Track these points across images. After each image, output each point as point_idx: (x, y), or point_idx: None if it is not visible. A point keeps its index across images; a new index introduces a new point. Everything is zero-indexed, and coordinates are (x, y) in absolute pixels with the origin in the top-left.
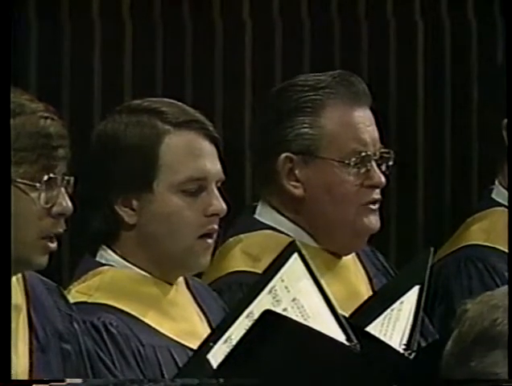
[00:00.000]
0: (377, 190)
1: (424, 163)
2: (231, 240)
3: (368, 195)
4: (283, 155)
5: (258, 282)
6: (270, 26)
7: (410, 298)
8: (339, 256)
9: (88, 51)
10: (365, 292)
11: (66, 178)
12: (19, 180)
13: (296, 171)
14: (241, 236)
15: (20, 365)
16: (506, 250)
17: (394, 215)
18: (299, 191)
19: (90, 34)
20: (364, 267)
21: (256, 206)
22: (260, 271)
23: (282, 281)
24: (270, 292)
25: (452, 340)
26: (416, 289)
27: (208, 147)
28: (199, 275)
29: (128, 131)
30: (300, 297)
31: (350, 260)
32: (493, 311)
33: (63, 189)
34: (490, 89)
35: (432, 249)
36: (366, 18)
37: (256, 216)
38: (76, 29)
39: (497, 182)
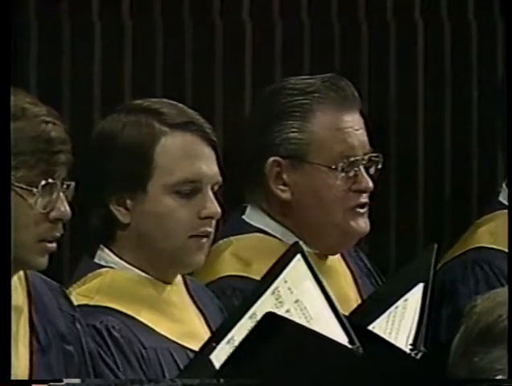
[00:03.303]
0: (365, 195)
1: (424, 164)
2: (221, 242)
3: (355, 199)
4: (271, 159)
5: (261, 283)
6: (270, 26)
7: (415, 296)
8: (326, 257)
9: (88, 51)
10: (353, 294)
11: (66, 183)
12: (17, 184)
13: (284, 175)
14: (232, 238)
15: (20, 367)
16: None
17: (394, 215)
18: (286, 195)
19: (90, 34)
20: (349, 268)
21: (245, 207)
22: (251, 275)
23: (286, 282)
24: (273, 293)
25: (458, 336)
26: (420, 286)
27: (205, 150)
28: (189, 275)
29: (125, 130)
30: (303, 299)
31: (337, 262)
32: (499, 307)
33: (62, 194)
34: (490, 89)
35: (436, 246)
36: (366, 19)
37: (246, 219)
38: (76, 29)
39: (504, 185)
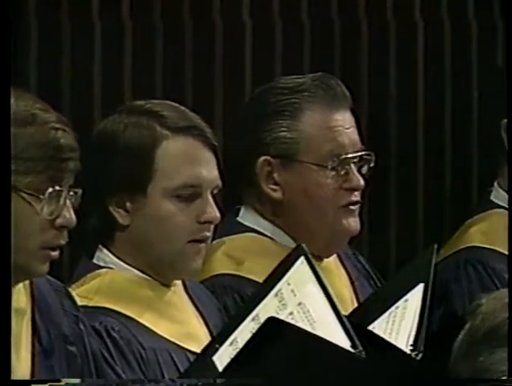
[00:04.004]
0: (356, 193)
1: (424, 164)
2: (214, 242)
3: (346, 197)
4: (262, 158)
5: (264, 285)
6: (270, 26)
7: (415, 296)
8: (321, 259)
9: (88, 51)
10: (348, 295)
11: (73, 190)
12: (24, 190)
13: (275, 175)
14: (225, 238)
15: (22, 369)
16: (506, 252)
17: (393, 215)
18: (277, 195)
19: (90, 34)
20: (346, 270)
21: (239, 208)
22: (243, 274)
23: (289, 284)
24: (276, 295)
25: (463, 333)
26: (421, 287)
27: (205, 154)
28: None
29: (127, 132)
30: (306, 302)
31: (332, 263)
32: (506, 309)
33: (68, 201)
34: (490, 89)
35: (436, 246)
36: (366, 19)
37: (239, 219)
38: (76, 29)
39: (495, 184)
